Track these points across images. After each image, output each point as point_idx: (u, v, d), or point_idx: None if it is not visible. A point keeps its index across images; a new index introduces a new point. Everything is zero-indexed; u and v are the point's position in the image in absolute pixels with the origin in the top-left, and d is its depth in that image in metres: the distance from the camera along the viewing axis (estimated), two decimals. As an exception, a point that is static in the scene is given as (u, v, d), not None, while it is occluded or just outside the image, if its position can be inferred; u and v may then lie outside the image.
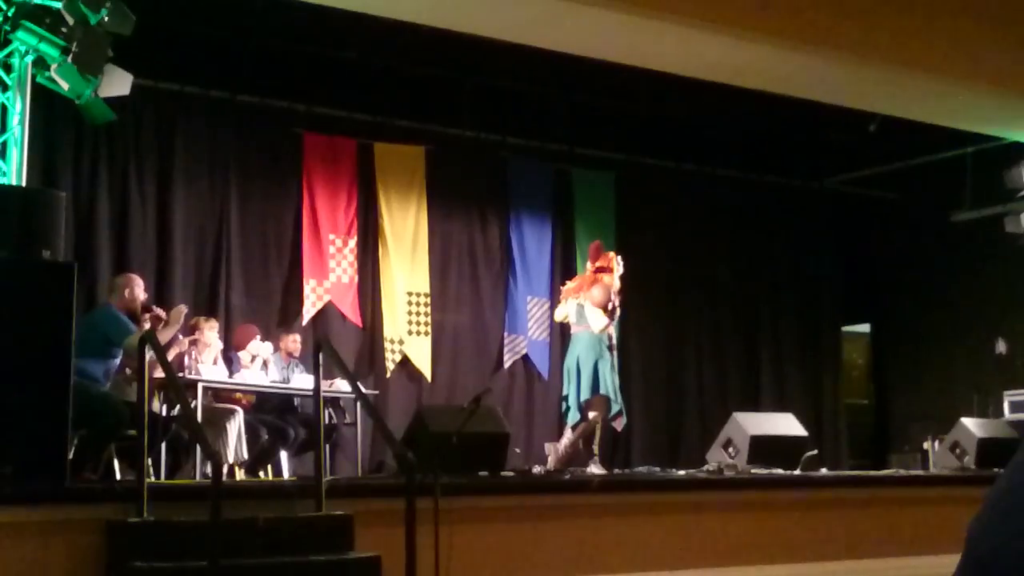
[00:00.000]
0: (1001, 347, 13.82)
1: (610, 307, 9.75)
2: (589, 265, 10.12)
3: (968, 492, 8.56)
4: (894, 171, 14.59)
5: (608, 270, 9.91)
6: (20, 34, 7.12)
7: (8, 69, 7.44)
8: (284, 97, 11.60)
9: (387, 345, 11.92)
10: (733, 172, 14.26)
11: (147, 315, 8.03)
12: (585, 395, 9.53)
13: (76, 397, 6.27)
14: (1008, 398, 12.84)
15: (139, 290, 8.10)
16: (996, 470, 9.01)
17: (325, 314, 11.65)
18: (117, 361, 7.90)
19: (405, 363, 12.01)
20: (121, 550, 5.66)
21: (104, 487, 6.77)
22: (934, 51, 9.58)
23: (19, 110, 7.44)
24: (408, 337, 12.01)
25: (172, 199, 10.97)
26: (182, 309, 8.30)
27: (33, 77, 7.46)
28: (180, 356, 9.15)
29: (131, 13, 7.43)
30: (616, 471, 10.12)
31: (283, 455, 9.82)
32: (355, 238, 11.91)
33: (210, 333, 9.49)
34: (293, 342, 10.45)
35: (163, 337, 7.93)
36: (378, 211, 12.08)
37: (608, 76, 10.75)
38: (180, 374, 8.67)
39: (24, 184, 7.47)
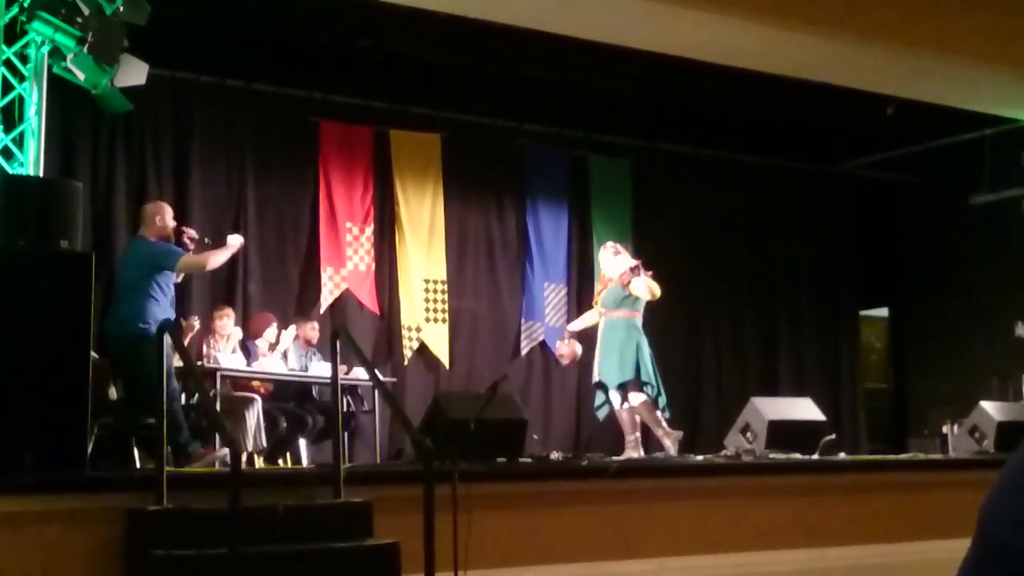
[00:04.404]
0: (1021, 330, 13.76)
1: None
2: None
3: (987, 476, 8.44)
4: (912, 154, 14.52)
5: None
6: (36, 24, 7.13)
7: (24, 60, 7.46)
8: (300, 85, 11.60)
9: (404, 332, 11.93)
10: (750, 157, 14.21)
11: (182, 239, 8.13)
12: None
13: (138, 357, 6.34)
14: (1028, 381, 12.80)
15: (169, 217, 8.12)
16: (1016, 454, 8.96)
17: (342, 302, 11.67)
18: (172, 290, 7.94)
19: (422, 350, 12.03)
20: (141, 538, 5.68)
21: (123, 475, 6.81)
22: (951, 33, 9.52)
23: (36, 100, 7.46)
24: (425, 324, 12.02)
25: (189, 188, 10.99)
26: (237, 238, 8.47)
27: (49, 68, 7.47)
28: (198, 343, 9.24)
29: (146, 3, 7.44)
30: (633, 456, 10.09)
31: (301, 443, 9.86)
32: (372, 226, 11.92)
33: (228, 321, 9.53)
34: (312, 329, 10.48)
35: (212, 259, 8.09)
36: (394, 198, 12.09)
37: (624, 62, 10.71)
38: (199, 362, 8.73)
39: (42, 174, 7.49)
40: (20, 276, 6.26)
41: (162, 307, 7.64)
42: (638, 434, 9.60)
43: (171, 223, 8.11)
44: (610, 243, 10.25)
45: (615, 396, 9.56)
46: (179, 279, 8.44)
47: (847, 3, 9.10)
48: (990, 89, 10.60)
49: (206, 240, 8.47)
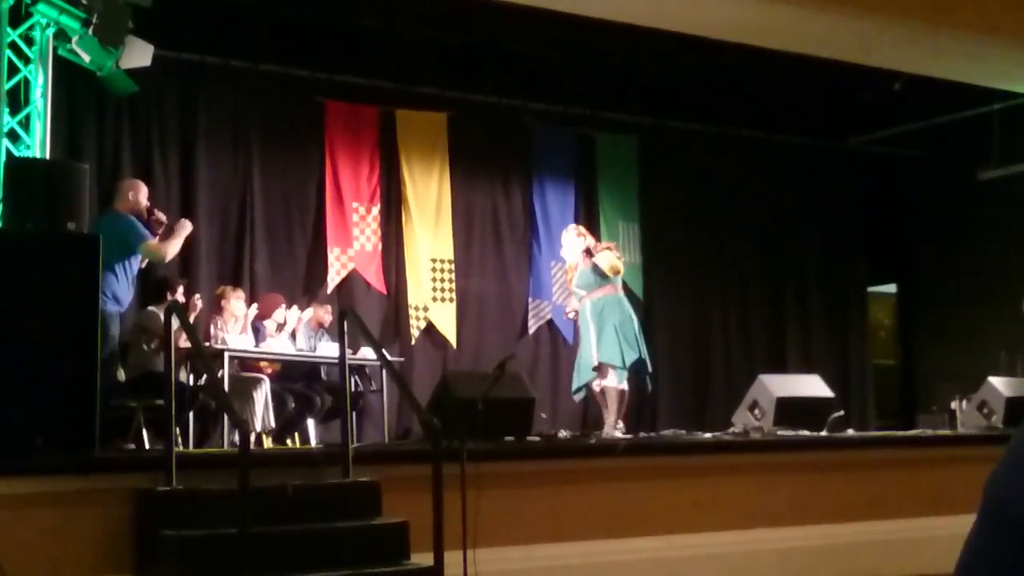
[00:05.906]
0: (1029, 305, 13.72)
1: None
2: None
3: (996, 451, 8.44)
4: (920, 129, 14.47)
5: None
6: (41, 7, 7.13)
7: (30, 42, 7.45)
8: (305, 66, 11.57)
9: (412, 312, 11.93)
10: (757, 133, 14.17)
11: (151, 219, 8.24)
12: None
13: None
14: (1036, 356, 12.77)
15: (143, 195, 8.31)
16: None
17: (349, 282, 11.67)
18: (135, 267, 8.06)
19: (430, 330, 12.03)
20: (150, 519, 5.71)
21: (133, 457, 6.83)
22: (959, 7, 9.47)
23: (41, 83, 7.47)
24: (432, 304, 12.02)
25: (195, 170, 10.98)
26: (186, 223, 8.49)
27: (54, 50, 7.48)
28: (204, 323, 9.25)
29: (151, -16, 7.42)
30: (642, 434, 10.11)
31: (310, 423, 9.88)
32: (378, 206, 11.91)
33: (236, 303, 9.54)
34: (326, 313, 10.50)
35: (170, 249, 8.15)
36: (401, 178, 12.07)
37: (630, 39, 10.68)
38: (206, 344, 8.74)
39: (48, 157, 7.50)
40: (27, 258, 6.27)
41: (121, 284, 7.78)
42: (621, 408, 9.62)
43: (144, 201, 8.27)
44: (572, 225, 10.35)
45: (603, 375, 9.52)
46: (143, 264, 8.51)
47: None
48: (998, 64, 10.55)
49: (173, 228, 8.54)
